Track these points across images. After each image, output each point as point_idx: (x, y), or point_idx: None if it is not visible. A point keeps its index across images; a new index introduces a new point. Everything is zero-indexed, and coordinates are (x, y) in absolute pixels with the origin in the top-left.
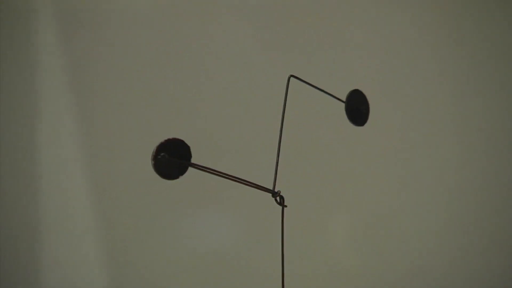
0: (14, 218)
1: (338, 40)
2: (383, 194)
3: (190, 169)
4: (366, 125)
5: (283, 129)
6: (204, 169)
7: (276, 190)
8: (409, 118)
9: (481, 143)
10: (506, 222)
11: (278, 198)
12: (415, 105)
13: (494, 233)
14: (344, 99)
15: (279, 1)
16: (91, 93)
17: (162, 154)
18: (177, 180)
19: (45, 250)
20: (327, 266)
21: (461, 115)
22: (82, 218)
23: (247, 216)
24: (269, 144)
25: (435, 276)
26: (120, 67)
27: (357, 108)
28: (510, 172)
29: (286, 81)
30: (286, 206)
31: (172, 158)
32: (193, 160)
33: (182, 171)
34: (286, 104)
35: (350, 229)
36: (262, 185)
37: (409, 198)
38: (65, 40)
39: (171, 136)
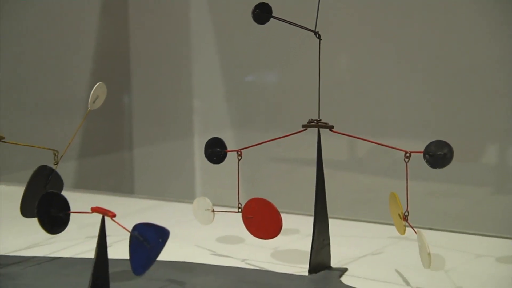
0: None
1: None
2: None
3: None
4: None
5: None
6: (278, 18)
7: (316, 30)
8: None
9: None
10: None
11: (317, 35)
12: None
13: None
14: None
15: None
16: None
17: (256, 10)
18: (264, 25)
19: None
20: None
21: None
22: None
23: (295, 48)
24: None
25: None
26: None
27: None
28: None
29: None
30: (321, 39)
31: (262, 13)
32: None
33: (267, 20)
34: None
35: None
36: (308, 27)
37: None
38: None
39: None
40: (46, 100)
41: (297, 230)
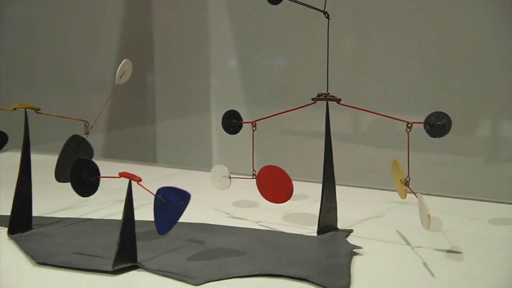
0: None
1: None
2: None
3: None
4: None
5: None
6: None
7: (325, 10)
8: None
9: None
10: None
11: (325, 14)
12: None
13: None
14: None
15: None
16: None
17: None
18: (276, 9)
19: None
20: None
21: None
22: None
23: (305, 30)
24: None
25: None
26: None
27: None
28: None
29: None
30: (330, 19)
31: None
32: None
33: (280, 1)
34: None
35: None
36: (316, 6)
37: None
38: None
39: None
40: (78, 77)
41: (307, 195)
